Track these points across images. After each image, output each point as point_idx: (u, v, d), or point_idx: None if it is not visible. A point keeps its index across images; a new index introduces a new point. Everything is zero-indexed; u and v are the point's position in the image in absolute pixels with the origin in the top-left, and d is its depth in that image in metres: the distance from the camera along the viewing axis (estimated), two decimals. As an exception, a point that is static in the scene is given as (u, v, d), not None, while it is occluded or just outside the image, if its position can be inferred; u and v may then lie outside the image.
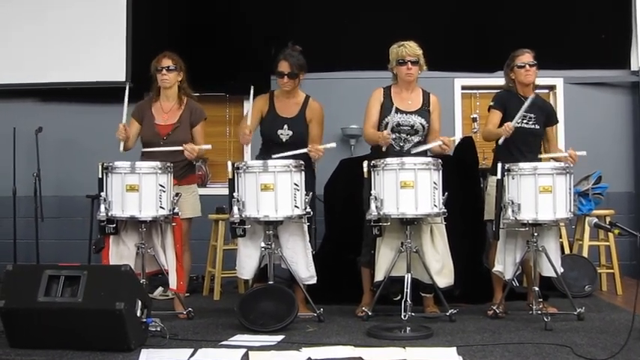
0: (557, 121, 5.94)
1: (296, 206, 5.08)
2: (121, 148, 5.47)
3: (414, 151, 5.39)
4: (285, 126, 5.53)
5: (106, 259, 5.22)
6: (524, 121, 5.48)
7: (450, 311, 5.18)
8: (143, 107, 5.67)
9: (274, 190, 5.01)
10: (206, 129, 5.72)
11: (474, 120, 7.38)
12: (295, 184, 5.08)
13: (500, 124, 5.48)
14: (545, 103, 5.85)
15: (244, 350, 4.23)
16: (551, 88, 8.15)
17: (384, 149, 5.28)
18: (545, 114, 5.66)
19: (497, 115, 5.55)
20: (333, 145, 5.45)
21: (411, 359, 4.13)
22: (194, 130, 5.60)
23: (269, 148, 5.51)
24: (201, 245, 6.76)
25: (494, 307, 5.35)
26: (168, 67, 5.55)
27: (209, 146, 5.60)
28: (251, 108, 5.57)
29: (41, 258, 7.42)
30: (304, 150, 5.33)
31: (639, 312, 4.28)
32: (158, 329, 4.47)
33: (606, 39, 8.04)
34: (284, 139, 5.51)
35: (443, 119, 5.72)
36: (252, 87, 5.48)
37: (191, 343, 4.47)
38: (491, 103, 5.64)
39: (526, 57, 5.56)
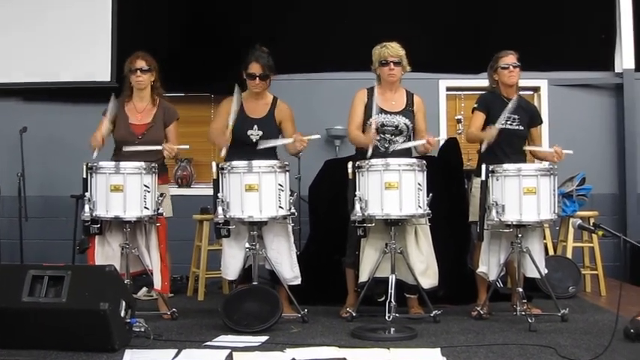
0: (541, 122, 5.94)
1: (280, 207, 5.08)
2: (94, 155, 5.29)
3: (395, 147, 5.40)
4: (255, 126, 5.49)
5: (92, 260, 5.21)
6: (509, 123, 5.49)
7: (434, 312, 5.18)
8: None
9: (259, 191, 5.01)
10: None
11: (459, 121, 7.39)
12: (280, 185, 5.08)
13: (484, 126, 5.51)
14: (529, 104, 5.88)
15: (228, 351, 4.21)
16: (536, 89, 8.19)
17: (369, 154, 5.19)
18: (529, 115, 5.67)
19: (480, 117, 5.56)
20: (318, 136, 5.44)
21: (394, 360, 4.13)
22: (167, 129, 5.58)
23: (240, 148, 5.41)
24: (185, 246, 6.75)
25: (479, 308, 5.36)
26: (142, 68, 5.52)
27: (187, 146, 5.58)
28: (233, 106, 5.46)
29: (25, 258, 7.38)
30: (290, 140, 5.33)
31: (623, 313, 4.31)
32: (142, 330, 4.43)
33: (591, 41, 8.08)
34: (254, 139, 5.45)
35: (427, 120, 5.72)
36: (236, 85, 5.46)
37: (175, 343, 4.45)
38: (475, 105, 5.65)
39: (509, 58, 5.58)
